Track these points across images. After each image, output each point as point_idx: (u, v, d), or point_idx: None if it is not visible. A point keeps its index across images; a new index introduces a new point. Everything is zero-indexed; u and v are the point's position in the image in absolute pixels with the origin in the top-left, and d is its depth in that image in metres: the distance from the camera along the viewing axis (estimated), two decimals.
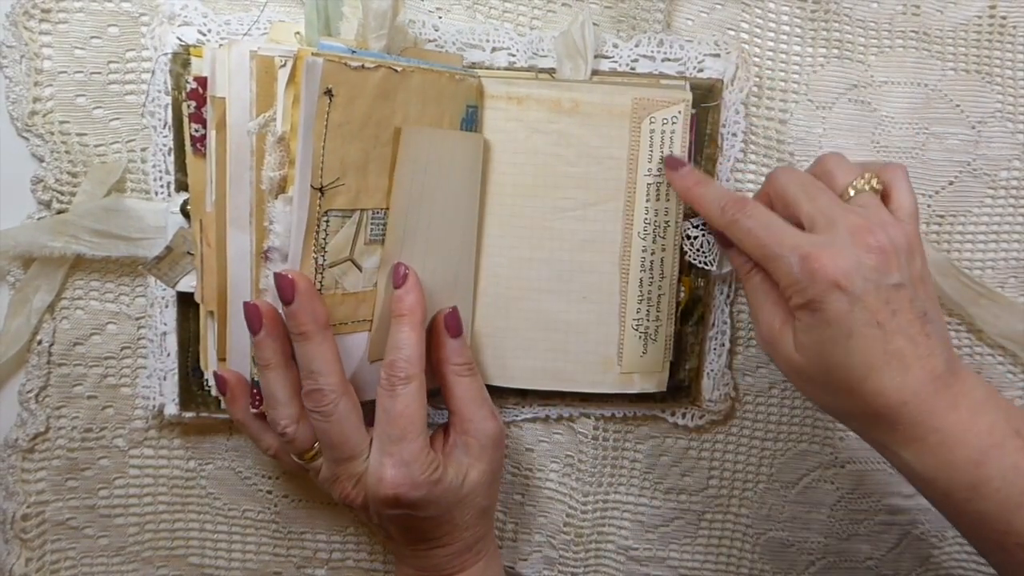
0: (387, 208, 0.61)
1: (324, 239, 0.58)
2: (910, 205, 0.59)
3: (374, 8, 0.60)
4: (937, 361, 0.54)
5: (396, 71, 0.59)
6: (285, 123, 0.56)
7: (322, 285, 0.59)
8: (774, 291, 0.58)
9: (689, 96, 0.68)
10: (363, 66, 0.57)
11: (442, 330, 0.64)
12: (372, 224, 0.60)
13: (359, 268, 0.61)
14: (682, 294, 0.72)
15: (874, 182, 0.60)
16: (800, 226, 0.57)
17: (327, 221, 0.58)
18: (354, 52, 0.58)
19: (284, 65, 0.56)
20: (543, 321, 0.70)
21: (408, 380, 0.60)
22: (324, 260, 0.58)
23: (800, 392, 0.65)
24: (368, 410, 0.62)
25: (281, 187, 0.57)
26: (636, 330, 0.70)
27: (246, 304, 0.59)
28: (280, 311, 0.58)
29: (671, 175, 0.66)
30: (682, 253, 0.70)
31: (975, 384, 0.55)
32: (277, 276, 0.57)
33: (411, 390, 0.60)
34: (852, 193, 0.59)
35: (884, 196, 0.60)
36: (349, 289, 0.60)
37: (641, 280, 0.70)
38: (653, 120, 0.67)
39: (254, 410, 0.63)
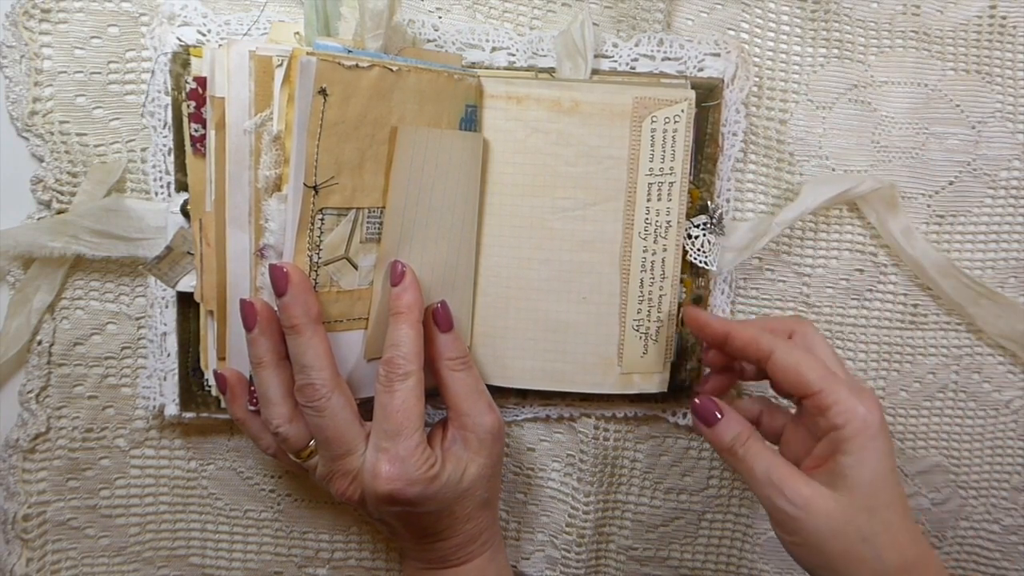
0: (383, 207, 0.60)
1: (319, 237, 0.57)
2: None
3: (370, 8, 0.59)
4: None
5: (392, 70, 0.58)
6: (280, 122, 0.55)
7: (317, 282, 0.58)
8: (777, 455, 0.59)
9: (692, 95, 0.66)
10: (357, 65, 0.56)
11: (432, 325, 0.62)
12: (368, 223, 0.59)
13: (355, 266, 0.59)
14: (683, 295, 0.70)
15: None
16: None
17: (322, 219, 0.57)
18: (350, 52, 0.57)
19: (280, 65, 0.55)
20: (542, 321, 0.68)
21: (406, 376, 0.58)
22: (319, 258, 0.57)
23: (813, 559, 0.58)
24: (365, 408, 0.60)
25: (276, 185, 0.56)
26: (636, 330, 0.69)
27: (242, 300, 0.58)
28: (275, 308, 0.57)
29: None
30: (683, 253, 0.68)
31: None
32: (272, 267, 0.56)
33: (408, 386, 0.59)
34: None
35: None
36: (345, 287, 0.59)
37: (642, 280, 0.68)
38: (655, 119, 0.66)
39: (252, 408, 0.62)
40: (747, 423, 0.61)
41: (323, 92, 0.54)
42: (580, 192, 0.67)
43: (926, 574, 0.55)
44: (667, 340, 0.70)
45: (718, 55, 0.69)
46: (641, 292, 0.68)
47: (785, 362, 0.58)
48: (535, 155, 0.66)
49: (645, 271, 0.68)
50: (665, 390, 0.71)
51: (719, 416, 0.60)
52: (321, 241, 0.57)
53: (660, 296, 0.69)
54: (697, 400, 0.62)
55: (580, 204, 0.67)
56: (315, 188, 0.56)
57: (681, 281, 0.69)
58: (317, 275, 0.57)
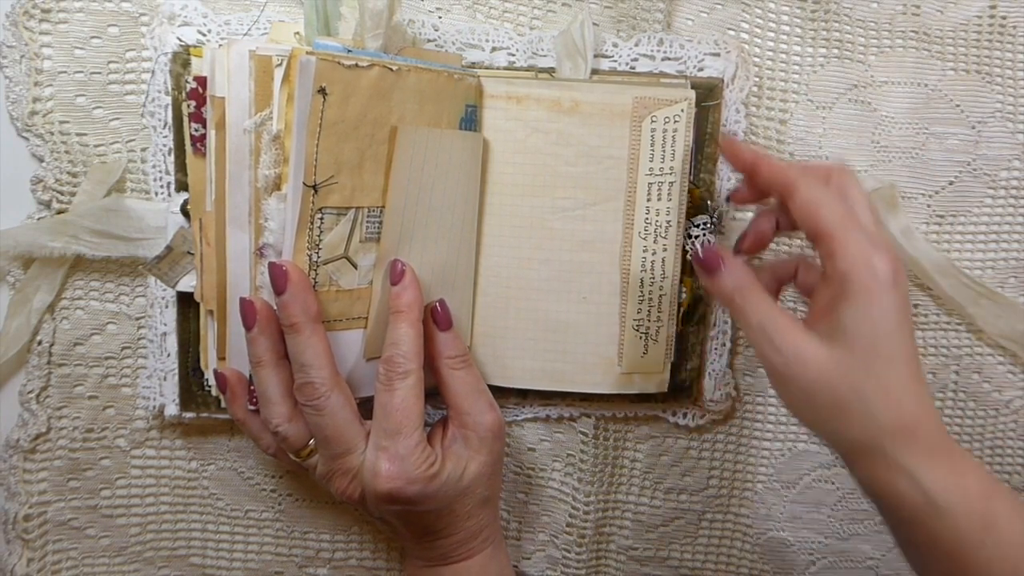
0: (383, 207, 0.59)
1: (318, 236, 0.57)
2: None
3: (370, 8, 0.59)
4: None
5: (391, 70, 0.57)
6: (280, 121, 0.55)
7: (316, 281, 0.57)
8: (776, 306, 0.56)
9: (692, 95, 0.65)
10: (357, 65, 0.55)
11: (431, 324, 0.62)
12: (368, 222, 0.59)
13: (354, 265, 0.59)
14: (684, 295, 0.69)
15: None
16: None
17: (321, 218, 0.56)
18: (350, 51, 0.57)
19: (280, 64, 0.55)
20: (542, 321, 0.68)
21: (406, 375, 0.58)
22: (318, 257, 0.57)
23: (805, 414, 0.56)
24: (365, 408, 0.60)
25: (276, 184, 0.56)
26: (637, 330, 0.68)
27: (241, 299, 0.57)
28: (275, 307, 0.57)
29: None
30: (683, 253, 0.68)
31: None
32: (271, 265, 0.55)
33: (408, 385, 0.58)
34: None
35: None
36: (344, 286, 0.59)
37: (642, 280, 0.68)
38: (655, 119, 0.65)
39: (252, 407, 0.61)
40: (751, 274, 0.57)
41: (322, 91, 0.54)
42: (580, 192, 0.66)
43: (923, 435, 0.51)
44: (667, 340, 0.69)
45: (718, 55, 0.68)
46: (641, 292, 0.68)
47: (806, 198, 0.54)
48: (535, 155, 0.66)
49: (645, 271, 0.67)
50: (665, 390, 0.70)
51: (721, 264, 0.57)
52: (320, 240, 0.57)
53: (660, 296, 0.68)
54: (700, 247, 0.58)
55: (580, 204, 0.66)
56: (314, 187, 0.55)
57: (680, 280, 0.68)
58: (316, 274, 0.57)
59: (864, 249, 0.52)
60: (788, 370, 0.53)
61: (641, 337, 0.68)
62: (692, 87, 0.67)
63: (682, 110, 0.65)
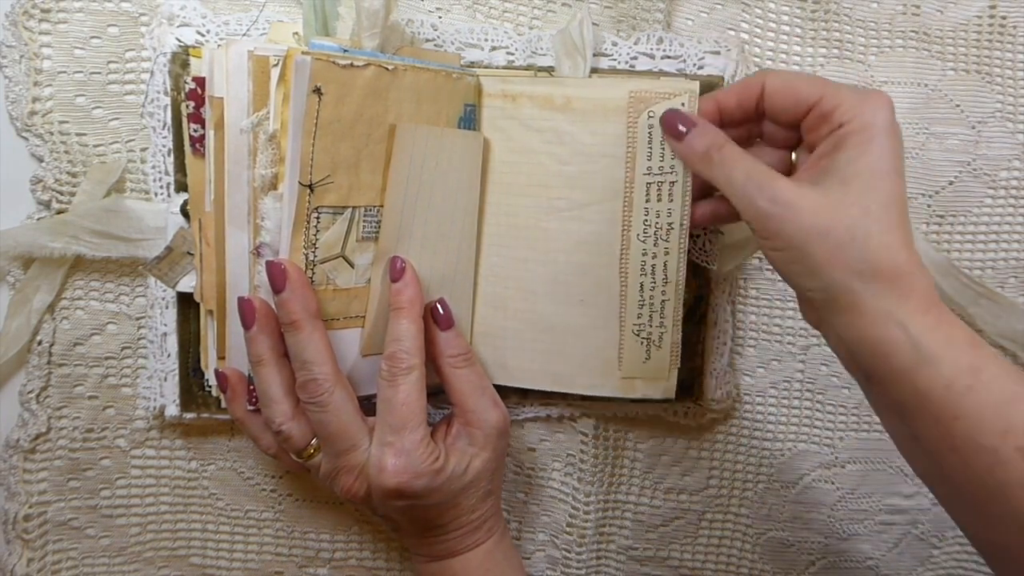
0: (380, 206, 0.59)
1: (315, 235, 0.56)
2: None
3: (366, 7, 0.58)
4: None
5: (387, 69, 0.57)
6: (276, 121, 0.55)
7: (313, 280, 0.57)
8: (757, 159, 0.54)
9: (695, 86, 0.60)
10: (352, 64, 0.55)
11: (432, 324, 0.61)
12: (365, 221, 0.58)
13: (351, 265, 0.59)
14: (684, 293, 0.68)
15: None
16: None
17: (317, 217, 0.56)
18: (346, 51, 0.56)
19: (276, 64, 0.54)
20: (540, 323, 0.66)
21: (409, 371, 0.58)
22: (315, 256, 0.56)
23: (796, 266, 0.52)
24: (363, 406, 0.59)
25: (272, 184, 0.55)
26: (637, 335, 0.65)
27: (240, 299, 0.57)
28: (273, 306, 0.56)
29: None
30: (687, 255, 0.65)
31: None
32: (269, 264, 0.55)
33: (412, 380, 0.58)
34: None
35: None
36: (341, 285, 0.58)
37: (642, 284, 0.64)
38: (652, 114, 0.61)
39: (251, 407, 0.61)
40: (722, 132, 0.56)
41: (317, 91, 0.53)
42: (575, 192, 0.64)
43: (915, 288, 0.49)
44: (672, 347, 0.66)
45: (718, 53, 0.67)
46: (641, 296, 0.65)
47: (777, 82, 0.54)
48: (529, 154, 0.64)
49: (645, 275, 0.64)
50: (672, 397, 0.66)
51: (692, 124, 0.57)
52: (317, 239, 0.56)
53: (663, 301, 0.64)
54: (665, 114, 0.58)
55: (575, 204, 0.64)
56: (310, 187, 0.55)
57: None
58: (313, 273, 0.57)
59: (859, 99, 0.51)
60: (779, 216, 0.51)
61: (642, 343, 0.65)
62: None
63: (682, 103, 0.60)
